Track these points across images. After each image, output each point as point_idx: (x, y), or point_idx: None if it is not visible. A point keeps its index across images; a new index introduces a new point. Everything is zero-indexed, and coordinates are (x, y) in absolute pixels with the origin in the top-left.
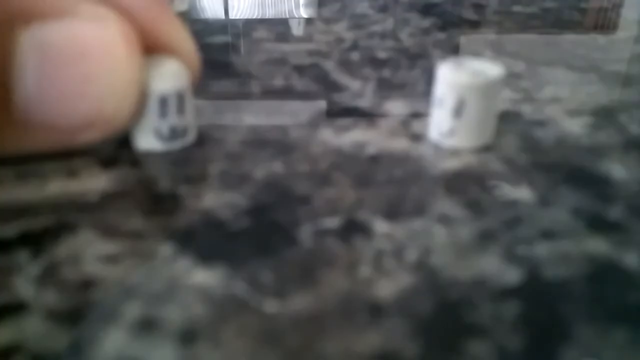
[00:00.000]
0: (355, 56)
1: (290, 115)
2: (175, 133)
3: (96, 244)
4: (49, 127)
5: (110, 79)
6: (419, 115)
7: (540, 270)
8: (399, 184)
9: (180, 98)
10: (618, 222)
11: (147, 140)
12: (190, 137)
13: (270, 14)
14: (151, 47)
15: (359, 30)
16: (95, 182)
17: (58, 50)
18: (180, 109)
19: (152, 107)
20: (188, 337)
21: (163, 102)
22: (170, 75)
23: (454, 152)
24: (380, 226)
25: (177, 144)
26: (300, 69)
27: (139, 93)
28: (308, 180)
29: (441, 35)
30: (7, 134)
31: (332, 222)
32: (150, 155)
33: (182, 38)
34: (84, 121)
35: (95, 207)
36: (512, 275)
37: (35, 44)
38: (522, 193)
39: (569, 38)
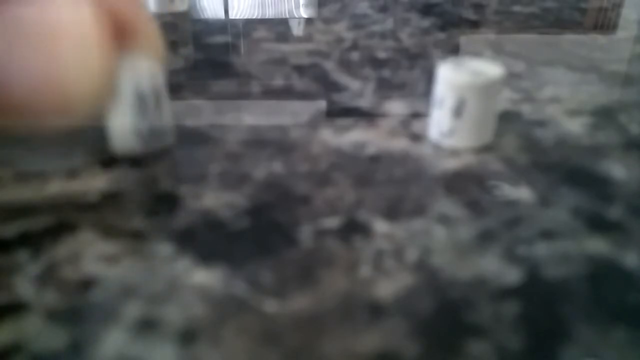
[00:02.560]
0: (355, 56)
1: (290, 115)
2: (154, 132)
3: (96, 244)
4: (15, 108)
5: (80, 61)
6: (419, 115)
7: (540, 270)
8: (399, 184)
9: (157, 95)
10: (618, 222)
11: (125, 141)
12: (169, 137)
13: (270, 14)
14: (122, 41)
15: (359, 30)
16: (95, 182)
17: (27, 30)
18: (158, 106)
19: (130, 105)
20: (188, 337)
21: (141, 100)
22: (146, 73)
23: (454, 152)
24: (380, 226)
25: (156, 144)
26: (300, 69)
27: (109, 78)
28: (308, 180)
29: (441, 35)
30: None
31: (332, 222)
32: (129, 157)
33: (151, 34)
34: (52, 103)
35: (95, 207)
36: (512, 275)
37: (4, 23)
38: (522, 193)
39: (569, 38)
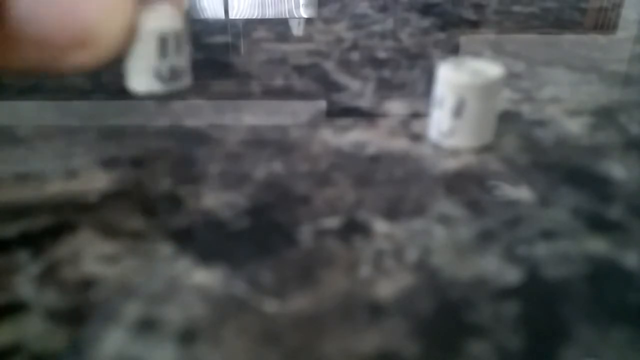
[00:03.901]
0: (355, 56)
1: (290, 115)
2: (174, 74)
3: (96, 244)
4: (40, 44)
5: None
6: (419, 115)
7: (540, 270)
8: (399, 184)
9: (179, 39)
10: (618, 222)
11: (146, 81)
12: (187, 80)
13: (270, 14)
14: None
15: (359, 30)
16: (95, 182)
17: None
18: (179, 49)
19: (152, 47)
20: (188, 337)
21: (163, 42)
22: (168, 16)
23: (454, 152)
24: (380, 226)
25: (175, 85)
26: (300, 69)
27: (132, 18)
28: (308, 180)
29: (441, 35)
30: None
31: (332, 222)
32: (150, 96)
33: None
34: (75, 39)
35: (95, 207)
36: (512, 275)
37: None
38: (522, 193)
39: (569, 38)
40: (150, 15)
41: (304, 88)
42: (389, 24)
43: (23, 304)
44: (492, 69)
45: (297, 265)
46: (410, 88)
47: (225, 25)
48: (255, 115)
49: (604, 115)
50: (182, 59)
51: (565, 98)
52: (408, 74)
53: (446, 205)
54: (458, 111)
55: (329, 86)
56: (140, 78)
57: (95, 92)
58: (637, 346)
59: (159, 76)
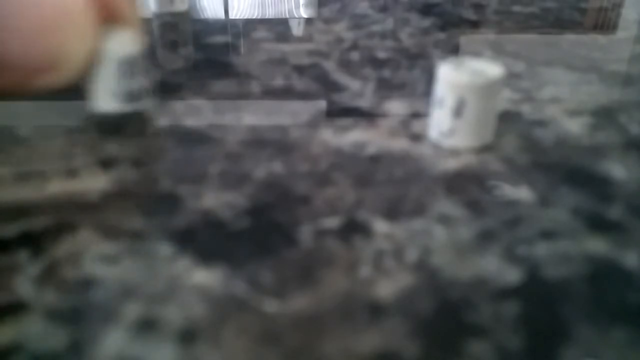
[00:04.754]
0: (355, 56)
1: (290, 115)
2: (133, 95)
3: (96, 244)
4: (7, 68)
5: (68, 24)
6: (419, 115)
7: (540, 270)
8: (399, 184)
9: (136, 62)
10: (618, 222)
11: (106, 102)
12: (148, 101)
13: (270, 14)
14: (105, 13)
15: (359, 30)
16: (95, 182)
17: None
18: (136, 72)
19: (113, 70)
20: (188, 337)
21: (122, 65)
22: (127, 42)
23: (454, 152)
24: (380, 226)
25: (136, 106)
26: (300, 69)
27: (95, 44)
28: (308, 180)
29: (441, 35)
30: None
31: (332, 222)
32: (109, 118)
33: (131, 8)
34: (42, 63)
35: (95, 207)
36: (512, 275)
37: None
38: (522, 193)
39: (569, 38)
40: (111, 40)
41: (304, 88)
42: (389, 24)
43: (23, 304)
44: (492, 69)
45: (297, 265)
46: (410, 88)
47: (225, 25)
48: (255, 115)
49: (604, 115)
50: (140, 82)
51: (565, 98)
52: (408, 74)
53: (446, 205)
54: (458, 111)
55: (329, 86)
56: (102, 98)
57: None
58: (637, 346)
59: (118, 97)
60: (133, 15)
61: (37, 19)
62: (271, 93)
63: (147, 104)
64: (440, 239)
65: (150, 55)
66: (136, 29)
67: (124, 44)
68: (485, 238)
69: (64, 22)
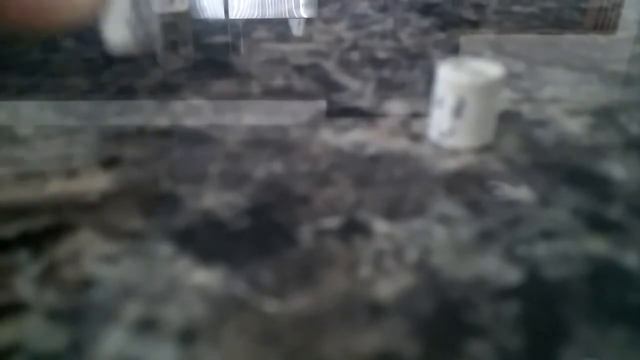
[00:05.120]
0: (355, 56)
1: (290, 115)
2: (144, 23)
3: (96, 244)
4: (33, 9)
5: None
6: (419, 115)
7: (540, 270)
8: (399, 184)
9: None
10: (618, 222)
11: (120, 32)
12: (153, 29)
13: (270, 14)
14: None
15: (359, 30)
16: (95, 182)
17: None
18: (147, 9)
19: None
20: (188, 337)
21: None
22: None
23: (454, 152)
24: (380, 226)
25: (144, 32)
26: (300, 69)
27: None
28: (308, 180)
29: (441, 35)
30: None
31: (332, 222)
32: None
33: None
34: (61, 5)
35: (95, 207)
36: (512, 275)
37: None
38: (522, 193)
39: (569, 38)
40: None
41: (304, 88)
42: (389, 24)
43: (23, 304)
44: (492, 69)
45: (297, 265)
46: (410, 88)
47: (225, 25)
48: (255, 115)
49: (604, 115)
50: (149, 11)
51: (565, 98)
52: (408, 74)
53: (446, 205)
54: (458, 111)
55: (329, 86)
56: (115, 28)
57: (95, 92)
58: (637, 346)
59: (130, 25)
60: None
61: None
62: (271, 93)
63: (152, 32)
64: (440, 239)
65: (151, 54)
66: None
67: None
68: (485, 238)
69: None
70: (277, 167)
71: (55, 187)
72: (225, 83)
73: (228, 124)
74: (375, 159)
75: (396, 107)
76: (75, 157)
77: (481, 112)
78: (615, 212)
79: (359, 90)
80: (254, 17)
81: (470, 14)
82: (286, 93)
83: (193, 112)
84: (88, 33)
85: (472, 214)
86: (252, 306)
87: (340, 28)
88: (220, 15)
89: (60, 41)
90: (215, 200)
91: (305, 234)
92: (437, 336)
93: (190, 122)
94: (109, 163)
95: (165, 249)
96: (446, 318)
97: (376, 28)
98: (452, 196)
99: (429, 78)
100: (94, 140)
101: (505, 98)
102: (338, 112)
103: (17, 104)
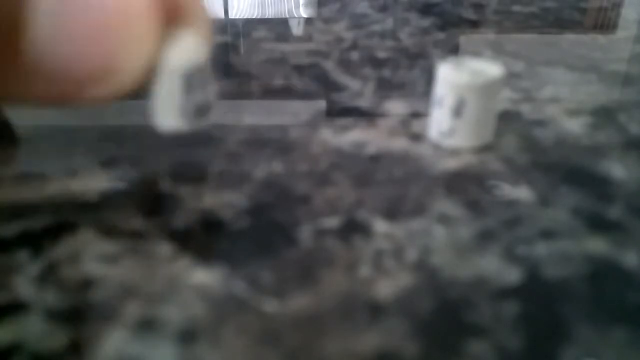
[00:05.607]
0: (355, 56)
1: (290, 115)
2: (200, 110)
3: (96, 244)
4: (58, 76)
5: (125, 31)
6: (419, 115)
7: (540, 270)
8: (399, 184)
9: (204, 73)
10: (618, 222)
11: (172, 119)
12: (214, 115)
13: (270, 14)
14: (171, 15)
15: (359, 30)
16: (95, 182)
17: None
18: (204, 84)
19: (177, 83)
20: (188, 337)
21: (188, 78)
22: (194, 50)
23: (454, 152)
24: (380, 226)
25: (202, 122)
26: (300, 69)
27: (156, 53)
28: (308, 180)
29: (441, 35)
30: (14, 80)
31: (332, 222)
32: (174, 135)
33: (201, 8)
34: (95, 72)
35: (95, 207)
36: (512, 275)
37: None
38: (522, 193)
39: (569, 38)
40: (176, 48)
41: (304, 88)
42: (389, 24)
43: (23, 304)
44: (492, 69)
45: (297, 265)
46: (410, 88)
47: (225, 25)
48: (255, 115)
49: (604, 115)
50: (207, 94)
51: (565, 98)
52: (408, 74)
53: (446, 205)
54: (458, 111)
55: (329, 86)
56: (166, 116)
57: None
58: (637, 346)
59: (185, 114)
60: (202, 17)
61: (93, 24)
62: (271, 93)
63: (212, 119)
64: (440, 239)
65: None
66: (205, 33)
67: (190, 51)
68: (485, 238)
69: (122, 27)
70: (277, 167)
71: (55, 187)
72: (225, 83)
73: (228, 124)
74: (375, 159)
75: (396, 107)
76: (75, 157)
77: (481, 112)
78: (615, 212)
79: (359, 90)
80: (254, 17)
81: (470, 14)
82: (286, 93)
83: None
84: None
85: (472, 214)
86: (252, 306)
87: (340, 28)
88: (220, 15)
89: None
90: (215, 200)
91: (305, 234)
92: (437, 336)
93: None
94: (109, 163)
95: (165, 249)
96: (446, 318)
97: (376, 28)
98: (452, 196)
99: (429, 78)
100: (94, 140)
101: (505, 98)
102: (338, 112)
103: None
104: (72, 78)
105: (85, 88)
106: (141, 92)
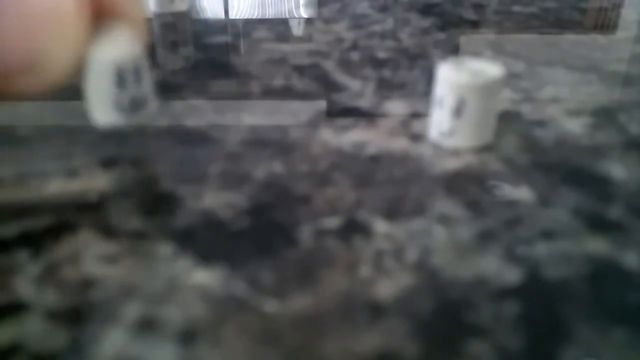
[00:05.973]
0: (355, 56)
1: (290, 115)
2: (135, 104)
3: (96, 244)
4: None
5: (52, 23)
6: (419, 115)
7: (540, 270)
8: (399, 184)
9: (137, 67)
10: (618, 222)
11: (107, 113)
12: (151, 108)
13: (270, 14)
14: (100, 9)
15: (359, 30)
16: (95, 182)
17: None
18: (139, 78)
19: (109, 78)
20: (188, 337)
21: (120, 72)
22: (125, 43)
23: (454, 152)
24: (380, 226)
25: (139, 116)
26: (300, 69)
27: (83, 44)
28: (308, 180)
29: (441, 35)
30: None
31: (332, 222)
32: (114, 130)
33: (132, 2)
34: (22, 64)
35: (95, 207)
36: (512, 275)
37: None
38: (522, 193)
39: (569, 38)
40: (106, 43)
41: (304, 88)
42: (389, 24)
43: (23, 304)
44: (492, 69)
45: (297, 265)
46: (410, 88)
47: (225, 25)
48: (255, 115)
49: (604, 115)
50: (143, 88)
51: (565, 98)
52: (408, 74)
53: (446, 205)
54: (458, 111)
55: (329, 86)
56: (101, 110)
57: None
58: (637, 346)
59: (119, 108)
60: (133, 12)
61: (18, 17)
62: (271, 93)
63: (150, 113)
64: (440, 239)
65: (150, 56)
66: (136, 28)
67: (119, 47)
68: (485, 238)
69: (49, 20)
70: (277, 167)
71: (55, 187)
72: (225, 83)
73: (228, 124)
74: (375, 159)
75: (396, 107)
76: (75, 157)
77: (481, 112)
78: (615, 212)
79: (359, 90)
80: (254, 17)
81: (470, 14)
82: (286, 93)
83: (193, 112)
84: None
85: (472, 214)
86: (252, 306)
87: (340, 28)
88: (220, 15)
89: None
90: (215, 200)
91: (305, 234)
92: (437, 336)
93: (190, 122)
94: (109, 163)
95: (165, 249)
96: (446, 318)
97: (376, 28)
98: (452, 196)
99: (429, 78)
100: (94, 140)
101: (505, 98)
102: (338, 112)
103: (18, 104)
104: (1, 69)
105: (13, 81)
106: (75, 85)
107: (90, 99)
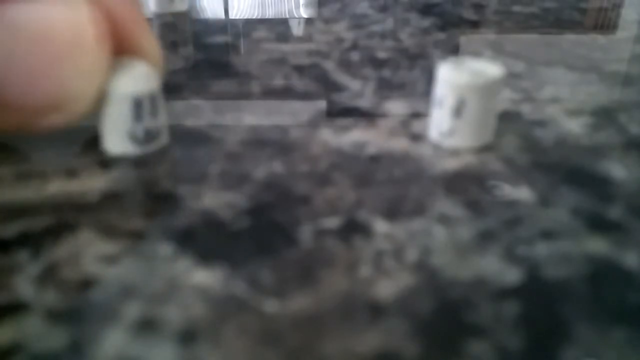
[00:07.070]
0: (355, 56)
1: (290, 115)
2: (149, 136)
3: (96, 244)
4: (13, 107)
5: (76, 61)
6: (419, 115)
7: (540, 270)
8: (399, 184)
9: (153, 100)
10: (618, 222)
11: (121, 144)
12: (164, 139)
13: (270, 14)
14: (119, 45)
15: (359, 30)
16: (95, 182)
17: (26, 30)
18: (154, 110)
19: (126, 110)
20: (188, 337)
21: (137, 104)
22: (143, 77)
23: (454, 152)
24: (380, 226)
25: (151, 147)
26: (300, 69)
27: (104, 79)
28: (308, 180)
29: (441, 35)
30: None
31: (332, 222)
32: (124, 159)
33: (149, 39)
34: (48, 102)
35: (95, 207)
36: (512, 275)
37: (3, 23)
38: (522, 193)
39: (569, 38)
40: (124, 76)
41: (304, 88)
42: (389, 24)
43: (23, 304)
44: (492, 69)
45: (297, 265)
46: (410, 88)
47: (225, 25)
48: (255, 115)
49: (604, 115)
50: (157, 121)
51: (565, 98)
52: (408, 74)
53: (446, 205)
54: (458, 111)
55: (329, 86)
56: (115, 140)
57: None
58: (637, 346)
59: (133, 139)
60: (151, 47)
61: (44, 55)
62: (271, 93)
63: (161, 144)
64: (440, 239)
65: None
66: (153, 63)
67: (137, 80)
68: (485, 238)
69: (72, 58)
70: (277, 167)
71: (55, 187)
72: (225, 83)
73: (228, 124)
74: (375, 159)
75: (396, 107)
76: (75, 157)
77: (481, 112)
78: (615, 212)
79: (359, 90)
80: (254, 17)
81: (470, 14)
82: (286, 93)
83: (193, 112)
84: None
85: (472, 214)
86: (252, 306)
87: (340, 28)
88: (220, 15)
89: None
90: (215, 200)
91: (305, 234)
92: (437, 336)
93: (190, 122)
94: (109, 163)
95: (165, 249)
96: (446, 318)
97: (376, 28)
98: (452, 196)
99: (429, 78)
100: (94, 140)
101: (505, 98)
102: (338, 112)
103: None
104: (27, 108)
105: (40, 116)
106: (93, 116)
107: (105, 129)
